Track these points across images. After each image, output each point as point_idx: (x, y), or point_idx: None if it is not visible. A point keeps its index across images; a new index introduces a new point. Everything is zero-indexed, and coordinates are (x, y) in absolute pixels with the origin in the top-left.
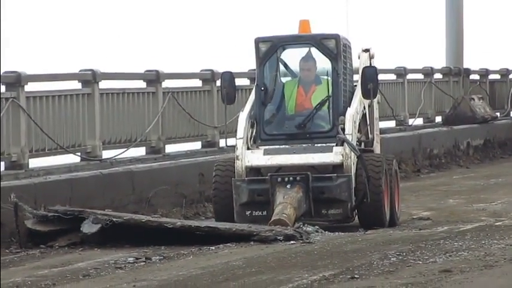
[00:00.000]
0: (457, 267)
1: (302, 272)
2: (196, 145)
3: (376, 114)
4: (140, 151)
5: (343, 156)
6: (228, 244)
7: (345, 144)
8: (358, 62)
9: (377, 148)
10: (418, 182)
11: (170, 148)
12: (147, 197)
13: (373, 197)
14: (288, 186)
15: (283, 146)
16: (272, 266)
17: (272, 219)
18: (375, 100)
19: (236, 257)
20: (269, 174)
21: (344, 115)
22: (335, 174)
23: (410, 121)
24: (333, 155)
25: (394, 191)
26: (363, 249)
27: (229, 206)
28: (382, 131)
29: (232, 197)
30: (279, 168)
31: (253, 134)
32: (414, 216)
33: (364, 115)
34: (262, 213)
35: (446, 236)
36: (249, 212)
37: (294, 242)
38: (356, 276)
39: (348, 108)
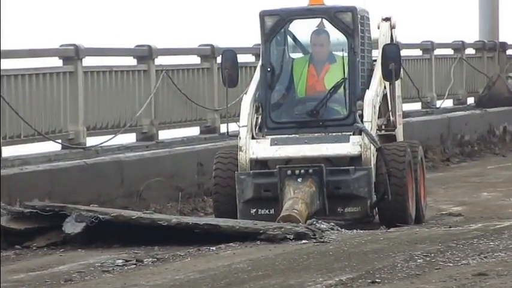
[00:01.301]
0: (493, 270)
1: (316, 276)
2: (194, 131)
3: (398, 92)
4: (130, 138)
5: (361, 147)
6: (231, 244)
7: (363, 133)
8: (378, 32)
9: (400, 132)
10: (448, 173)
11: (164, 134)
12: (138, 190)
13: (396, 194)
14: (299, 180)
15: (293, 136)
16: (281, 268)
17: (281, 215)
18: (398, 83)
19: (240, 258)
20: (277, 166)
21: (362, 99)
22: (353, 167)
23: (438, 103)
24: (350, 146)
25: (420, 183)
26: (384, 250)
27: (231, 202)
28: (406, 115)
29: (235, 192)
30: (288, 161)
31: (259, 120)
32: (443, 212)
33: (384, 95)
34: (269, 211)
35: (481, 234)
36: (254, 210)
37: (306, 241)
38: (377, 280)
39: (367, 90)
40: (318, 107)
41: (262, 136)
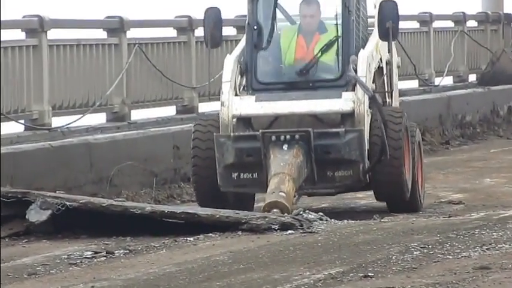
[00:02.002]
0: (496, 263)
1: (303, 270)
2: (170, 111)
3: (395, 72)
4: (100, 118)
5: (354, 103)
6: (210, 234)
7: (357, 88)
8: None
9: (395, 98)
10: (447, 157)
11: (137, 114)
12: (109, 175)
13: (392, 156)
14: (285, 147)
15: (279, 93)
16: (265, 261)
17: (266, 201)
18: (395, 58)
19: (220, 250)
20: (260, 131)
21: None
22: (343, 130)
23: (437, 80)
24: (342, 102)
25: (418, 167)
26: (378, 241)
27: (211, 166)
28: (402, 93)
29: (215, 156)
30: (274, 120)
31: (243, 83)
32: (442, 200)
33: (380, 69)
34: (252, 175)
35: (483, 224)
36: (236, 174)
37: (293, 231)
38: (370, 274)
39: (361, 50)
40: (308, 66)
41: (247, 94)
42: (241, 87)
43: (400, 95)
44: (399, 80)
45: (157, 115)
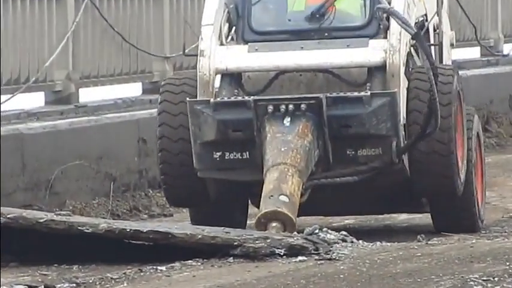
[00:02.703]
0: None
1: None
2: (134, 89)
3: (446, 45)
4: (36, 99)
5: (386, 53)
6: (190, 262)
7: (390, 33)
8: None
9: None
10: None
11: (88, 94)
12: (48, 179)
13: (439, 128)
14: (286, 121)
15: (282, 42)
16: None
17: (262, 211)
18: (447, 30)
19: (203, 284)
20: (252, 98)
21: None
22: (367, 93)
23: (506, 48)
24: (370, 51)
25: (476, 168)
26: (424, 271)
27: (186, 145)
28: (458, 66)
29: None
30: (274, 79)
31: (232, 31)
32: None
33: (425, 31)
34: (241, 155)
35: None
36: (218, 153)
37: (305, 258)
38: None
39: None
40: (323, 10)
41: (236, 43)
42: (228, 38)
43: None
44: (455, 47)
45: (116, 96)
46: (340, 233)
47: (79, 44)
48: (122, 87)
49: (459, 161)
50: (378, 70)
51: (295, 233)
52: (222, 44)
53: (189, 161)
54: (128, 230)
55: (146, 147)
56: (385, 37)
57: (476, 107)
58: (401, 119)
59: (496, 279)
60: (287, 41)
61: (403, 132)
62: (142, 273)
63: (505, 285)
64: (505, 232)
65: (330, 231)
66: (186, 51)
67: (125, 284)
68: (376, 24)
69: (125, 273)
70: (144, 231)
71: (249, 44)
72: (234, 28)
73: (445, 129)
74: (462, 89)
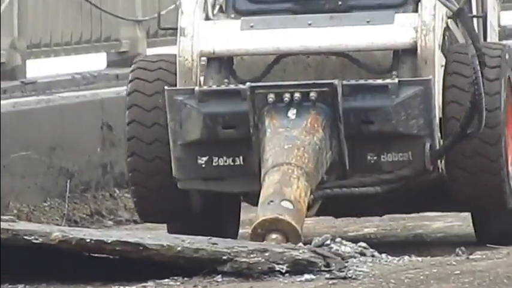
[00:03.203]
0: None
1: None
2: (97, 61)
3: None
4: None
5: (417, 32)
6: (166, 281)
7: (422, 6)
8: None
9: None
10: None
11: (37, 68)
12: None
13: (489, 123)
14: (291, 114)
15: (285, 16)
16: None
17: (259, 219)
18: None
19: None
20: (248, 84)
21: None
22: (395, 80)
23: None
24: (397, 29)
25: None
26: None
27: (162, 147)
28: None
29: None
30: (275, 63)
31: (219, 2)
32: None
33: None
34: (233, 161)
35: None
36: (205, 158)
37: (313, 276)
38: None
39: None
40: None
41: (226, 16)
42: (216, 9)
43: (503, 36)
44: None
45: (74, 69)
46: (358, 244)
47: (26, 3)
48: (81, 58)
49: (510, 165)
50: (407, 54)
51: (301, 244)
52: (208, 18)
53: (167, 168)
54: (88, 241)
55: (112, 134)
56: (416, 10)
57: None
58: (437, 114)
59: None
60: (290, 14)
61: (439, 131)
62: None
63: None
64: None
65: (344, 242)
66: (162, 21)
67: None
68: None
69: None
70: (109, 241)
71: (242, 18)
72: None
73: (492, 126)
74: (509, 70)
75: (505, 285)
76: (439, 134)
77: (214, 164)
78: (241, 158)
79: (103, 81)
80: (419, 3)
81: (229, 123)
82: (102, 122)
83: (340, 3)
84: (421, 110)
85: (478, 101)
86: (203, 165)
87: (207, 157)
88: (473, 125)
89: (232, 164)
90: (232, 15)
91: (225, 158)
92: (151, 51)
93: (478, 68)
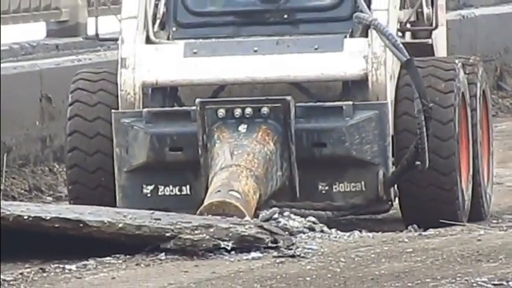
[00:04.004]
0: None
1: None
2: (36, 31)
3: None
4: None
5: (367, 62)
6: (108, 259)
7: (372, 32)
8: None
9: (441, 39)
10: None
11: None
12: None
13: (436, 154)
14: (243, 128)
15: (230, 40)
16: None
17: (206, 203)
18: None
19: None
20: (198, 101)
21: None
22: (350, 103)
23: None
24: (346, 58)
25: (483, 140)
26: (416, 273)
27: (106, 171)
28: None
29: (112, 152)
30: (220, 89)
31: (161, 11)
32: None
33: None
34: (180, 190)
35: None
36: (151, 187)
37: (259, 254)
38: None
39: None
40: None
41: (168, 39)
42: (157, 22)
43: (456, 8)
44: None
45: (12, 39)
46: (307, 219)
47: None
48: (19, 28)
49: (464, 188)
50: (357, 84)
51: (248, 218)
52: (149, 41)
53: (109, 182)
54: (26, 217)
55: (51, 107)
56: (365, 35)
57: (486, 57)
58: (390, 143)
59: (510, 283)
60: (233, 27)
61: (392, 159)
62: (45, 274)
63: None
64: None
65: (293, 216)
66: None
67: None
68: (351, 3)
69: (22, 274)
70: (48, 218)
71: (185, 42)
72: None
73: (446, 156)
74: (464, 88)
75: (458, 264)
76: (391, 162)
77: (160, 193)
78: (188, 187)
79: (42, 51)
80: (369, 31)
81: (177, 144)
82: (41, 93)
83: (285, 16)
84: (375, 135)
85: (422, 154)
86: (148, 195)
87: (152, 186)
88: (421, 154)
89: (178, 193)
90: (174, 29)
91: (171, 187)
92: (92, 21)
93: (423, 123)
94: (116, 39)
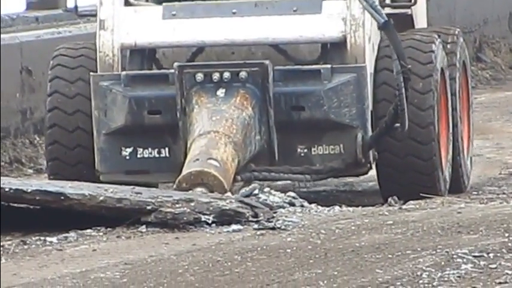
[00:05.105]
0: None
1: None
2: (15, 3)
3: None
4: None
5: (346, 24)
6: (89, 231)
7: None
8: None
9: (421, 9)
10: None
11: None
12: None
13: (414, 123)
14: (220, 92)
15: (208, 2)
16: (188, 283)
17: (184, 173)
18: None
19: (107, 260)
20: (176, 64)
21: None
22: (328, 66)
23: None
24: (325, 21)
25: (463, 112)
26: (396, 244)
27: (84, 136)
28: None
29: (91, 117)
30: (198, 53)
31: None
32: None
33: None
34: (159, 152)
35: None
36: (129, 149)
37: (240, 227)
38: None
39: None
40: None
41: (147, 1)
42: None
43: None
44: None
45: None
46: (287, 194)
47: None
48: None
49: (443, 159)
50: (336, 47)
51: (228, 194)
52: (127, 3)
53: (89, 159)
54: (7, 190)
55: (31, 79)
56: None
57: (465, 28)
58: (370, 106)
59: (490, 255)
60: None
61: (370, 123)
62: (26, 246)
63: (502, 262)
64: (503, 194)
65: (273, 192)
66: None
67: (3, 261)
68: None
69: (2, 246)
70: (29, 191)
71: (164, 4)
72: None
73: (422, 125)
74: (443, 60)
75: (439, 236)
76: (370, 125)
77: (139, 156)
78: (166, 149)
79: (22, 24)
80: None
81: (155, 107)
82: (22, 66)
83: None
84: (353, 98)
85: (401, 115)
86: (127, 157)
87: (131, 148)
88: (401, 117)
89: (157, 156)
90: None
91: (150, 149)
92: None
93: (402, 85)
94: (95, 15)
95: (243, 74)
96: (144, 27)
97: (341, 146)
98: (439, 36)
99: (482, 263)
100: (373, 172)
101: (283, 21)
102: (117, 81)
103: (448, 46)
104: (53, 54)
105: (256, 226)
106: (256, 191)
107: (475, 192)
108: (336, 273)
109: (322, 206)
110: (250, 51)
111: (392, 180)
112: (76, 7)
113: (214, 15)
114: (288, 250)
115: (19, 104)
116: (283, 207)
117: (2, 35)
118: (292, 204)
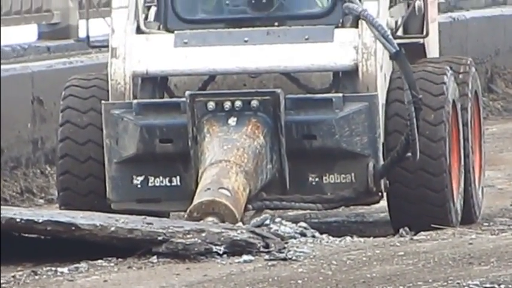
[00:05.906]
0: None
1: None
2: (28, 33)
3: None
4: None
5: (358, 53)
6: (100, 262)
7: (362, 23)
8: None
9: (433, 39)
10: None
11: None
12: None
13: (426, 154)
14: (232, 121)
15: (219, 30)
16: None
17: (195, 203)
18: None
19: None
20: (188, 93)
21: None
22: (339, 95)
23: None
24: (337, 49)
25: (475, 142)
26: (407, 275)
27: (96, 166)
28: (453, 5)
29: (103, 147)
30: (209, 81)
31: (152, 16)
32: None
33: None
34: (170, 181)
35: None
36: (140, 178)
37: (251, 257)
38: None
39: None
40: None
41: (159, 29)
42: (148, 18)
43: (446, 10)
44: None
45: (4, 42)
46: (298, 225)
47: None
48: (11, 30)
49: (455, 190)
50: (348, 75)
51: (239, 224)
52: (139, 31)
53: (100, 189)
54: (19, 220)
55: (43, 109)
56: (355, 25)
57: (476, 59)
58: (381, 135)
59: (502, 286)
60: (226, 29)
61: (382, 152)
62: (37, 277)
63: None
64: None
65: (284, 222)
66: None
67: None
68: (339, 11)
69: (14, 277)
70: (40, 221)
71: (175, 32)
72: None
73: (434, 157)
74: (455, 91)
75: (450, 267)
76: (381, 155)
77: (150, 184)
78: (178, 178)
79: (34, 53)
80: (360, 22)
81: (167, 136)
82: (33, 96)
83: (276, 24)
84: (365, 127)
85: (412, 145)
86: (138, 186)
87: (142, 177)
88: (412, 146)
89: (169, 184)
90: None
91: (161, 177)
92: (83, 23)
93: (413, 114)
94: (107, 46)
95: (254, 103)
96: (155, 55)
97: (352, 174)
98: (451, 67)
99: None
100: (384, 203)
101: (295, 50)
102: (128, 109)
103: (460, 76)
104: (65, 85)
105: (267, 257)
106: (267, 221)
107: (486, 223)
108: None
109: (333, 236)
110: (262, 83)
111: (404, 211)
112: (88, 37)
113: (226, 43)
114: (299, 281)
115: (30, 134)
116: (295, 238)
117: (14, 65)
118: (303, 235)
